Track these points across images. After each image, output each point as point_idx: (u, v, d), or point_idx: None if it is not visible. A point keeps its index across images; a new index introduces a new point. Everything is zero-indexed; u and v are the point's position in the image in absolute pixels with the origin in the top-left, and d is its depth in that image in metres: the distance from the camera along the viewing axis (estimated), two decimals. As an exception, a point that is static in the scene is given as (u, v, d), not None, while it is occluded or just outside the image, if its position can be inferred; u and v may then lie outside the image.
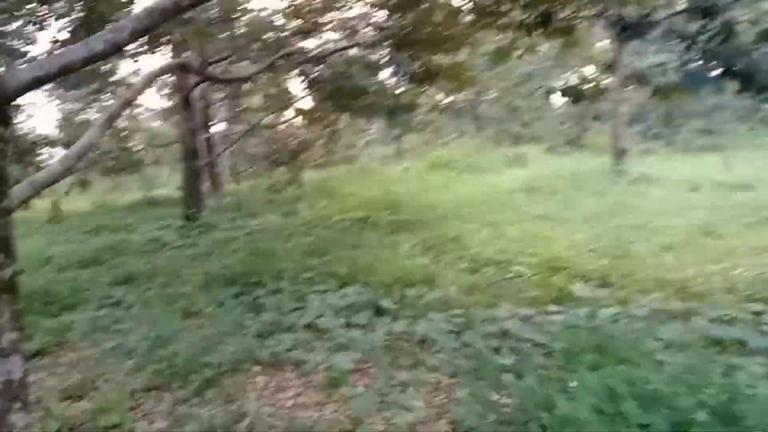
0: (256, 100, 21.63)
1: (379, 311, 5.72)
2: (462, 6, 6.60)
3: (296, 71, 8.11)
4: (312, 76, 7.45)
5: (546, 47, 6.26)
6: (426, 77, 6.94)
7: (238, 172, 23.94)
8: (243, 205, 14.06)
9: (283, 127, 17.93)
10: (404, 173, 17.29)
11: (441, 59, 7.26)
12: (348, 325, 5.47)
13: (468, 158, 18.63)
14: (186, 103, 11.65)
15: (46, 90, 23.59)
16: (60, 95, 24.72)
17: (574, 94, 6.00)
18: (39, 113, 29.30)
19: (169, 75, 11.63)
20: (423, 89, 7.29)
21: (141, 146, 21.05)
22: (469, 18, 6.59)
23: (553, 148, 28.12)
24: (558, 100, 44.08)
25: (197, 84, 11.32)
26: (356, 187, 14.82)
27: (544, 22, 5.89)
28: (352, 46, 8.37)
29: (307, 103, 14.29)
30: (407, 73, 6.75)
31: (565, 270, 6.58)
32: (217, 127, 23.55)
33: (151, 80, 5.52)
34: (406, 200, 12.32)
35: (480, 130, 28.84)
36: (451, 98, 10.79)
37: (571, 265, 6.73)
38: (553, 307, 5.24)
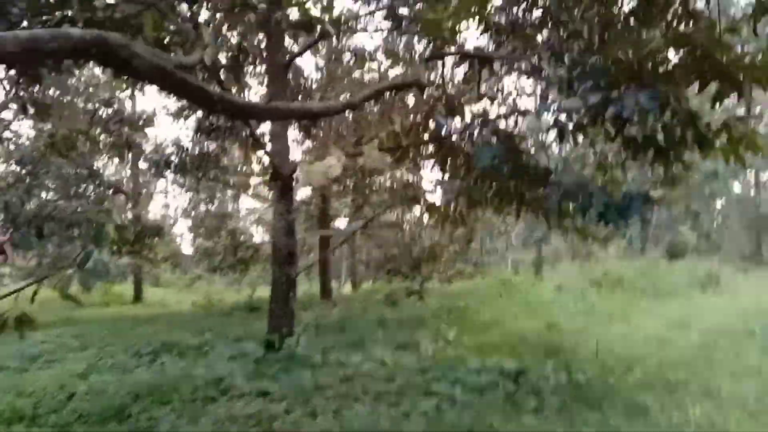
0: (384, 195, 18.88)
1: None
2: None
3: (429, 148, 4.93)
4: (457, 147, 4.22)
5: None
6: (687, 140, 3.43)
7: (354, 275, 21.12)
8: (348, 326, 10.84)
9: (407, 227, 14.87)
10: (558, 292, 13.32)
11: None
12: None
13: (643, 275, 14.29)
14: (282, 194, 8.92)
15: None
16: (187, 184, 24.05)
17: None
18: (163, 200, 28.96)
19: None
20: (670, 164, 3.68)
21: (250, 242, 18.93)
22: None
23: (724, 262, 22.82)
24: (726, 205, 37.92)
25: (295, 168, 8.57)
26: (497, 310, 11.13)
27: None
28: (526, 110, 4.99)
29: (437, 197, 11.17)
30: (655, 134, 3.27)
31: None
32: (341, 224, 21.15)
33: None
34: (576, 341, 8.45)
35: (641, 237, 24.10)
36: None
37: None
38: None
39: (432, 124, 4.00)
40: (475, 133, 3.95)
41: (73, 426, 6.06)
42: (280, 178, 8.39)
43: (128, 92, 17.87)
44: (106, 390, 6.97)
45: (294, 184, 8.90)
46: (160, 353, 9.48)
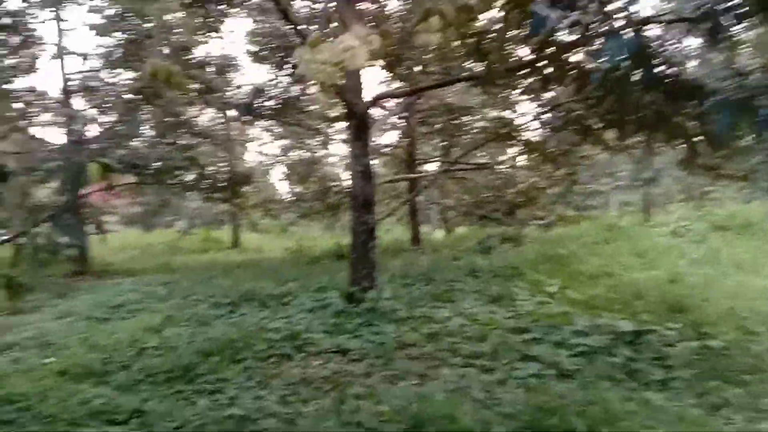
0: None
1: None
2: None
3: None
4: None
5: None
6: None
7: (446, 221, 20.19)
8: (437, 275, 10.04)
9: (502, 168, 13.63)
10: (675, 237, 11.79)
11: None
12: None
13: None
14: (358, 133, 8.08)
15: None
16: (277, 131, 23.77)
17: None
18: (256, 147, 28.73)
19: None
20: None
21: (339, 188, 18.37)
22: None
23: None
24: None
25: (370, 105, 7.68)
26: (605, 258, 9.90)
27: None
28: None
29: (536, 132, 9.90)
30: None
31: None
32: (431, 167, 20.15)
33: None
34: (703, 295, 7.18)
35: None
36: None
37: None
38: None
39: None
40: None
41: (139, 386, 5.70)
42: (354, 117, 7.54)
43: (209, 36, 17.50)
44: (178, 345, 6.61)
45: (370, 123, 8.02)
46: (240, 304, 9.15)
